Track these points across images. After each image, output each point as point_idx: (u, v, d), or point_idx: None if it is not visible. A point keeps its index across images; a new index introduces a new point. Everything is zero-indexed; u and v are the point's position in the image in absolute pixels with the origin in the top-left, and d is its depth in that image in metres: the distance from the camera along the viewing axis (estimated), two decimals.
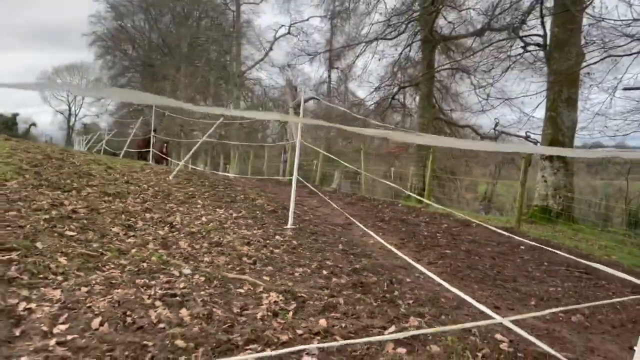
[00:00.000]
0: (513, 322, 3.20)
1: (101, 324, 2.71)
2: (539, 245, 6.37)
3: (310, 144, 24.43)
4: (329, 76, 42.62)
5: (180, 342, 2.66)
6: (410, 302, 4.21)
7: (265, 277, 4.09)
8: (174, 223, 5.49)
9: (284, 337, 2.96)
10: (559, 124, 13.58)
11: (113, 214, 5.30)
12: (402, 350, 3.05)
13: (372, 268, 5.06)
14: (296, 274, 4.38)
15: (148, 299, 3.21)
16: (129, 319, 2.85)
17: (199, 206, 6.81)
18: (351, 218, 7.02)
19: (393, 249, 5.03)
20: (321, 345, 2.90)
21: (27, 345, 2.40)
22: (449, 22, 20.23)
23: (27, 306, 2.76)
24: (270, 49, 44.08)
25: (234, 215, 6.63)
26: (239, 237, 5.33)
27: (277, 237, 5.72)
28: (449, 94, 21.71)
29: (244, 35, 45.47)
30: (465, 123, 21.58)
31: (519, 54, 17.04)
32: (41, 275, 3.24)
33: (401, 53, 20.22)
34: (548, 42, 14.40)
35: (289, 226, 6.13)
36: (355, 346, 2.97)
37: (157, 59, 50.27)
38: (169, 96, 50.71)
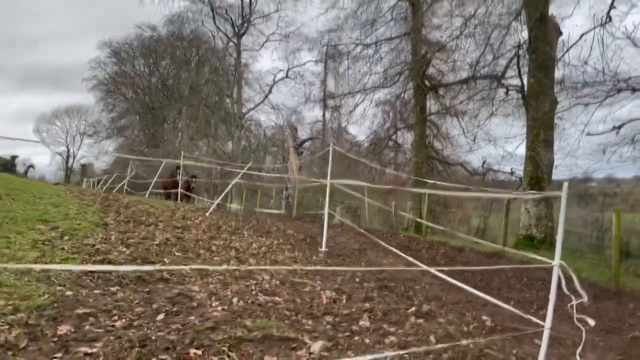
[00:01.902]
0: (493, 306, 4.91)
1: (237, 302, 4.39)
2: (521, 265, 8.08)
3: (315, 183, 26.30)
4: (324, 115, 45.07)
5: (285, 312, 4.35)
6: (422, 298, 5.91)
7: (318, 282, 5.78)
8: (236, 247, 7.19)
9: (345, 312, 4.65)
10: (538, 162, 15.49)
11: (192, 242, 7.00)
12: (421, 320, 4.75)
13: (390, 278, 6.77)
14: (338, 280, 6.08)
15: (252, 291, 4.89)
16: (248, 301, 4.53)
17: (246, 235, 8.51)
18: (393, 250, 8.76)
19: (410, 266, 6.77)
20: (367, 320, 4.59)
21: (202, 310, 4.08)
22: (439, 71, 22.47)
23: (191, 292, 4.45)
24: (270, 91, 46.55)
25: (275, 242, 8.33)
26: (288, 257, 7.03)
27: (314, 257, 7.43)
28: (440, 134, 23.77)
29: (244, 79, 47.90)
30: (456, 161, 23.55)
31: (502, 99, 19.17)
32: (181, 279, 4.93)
33: (396, 99, 22.40)
34: (526, 91, 16.48)
35: (322, 249, 7.84)
36: (391, 318, 4.67)
37: (157, 102, 52.13)
38: (169, 137, 52.63)
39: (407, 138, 25.94)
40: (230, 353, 3.31)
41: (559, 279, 3.76)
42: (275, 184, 28.77)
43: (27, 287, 3.83)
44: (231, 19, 46.05)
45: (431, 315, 5.04)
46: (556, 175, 16.59)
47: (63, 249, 5.08)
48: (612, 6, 12.42)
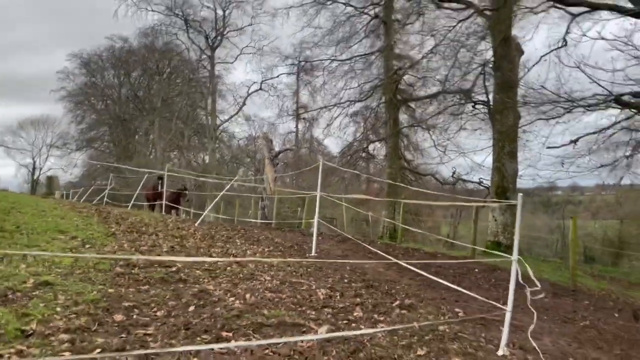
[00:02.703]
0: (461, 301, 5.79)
1: (250, 297, 5.14)
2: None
3: (291, 193, 27.10)
4: (297, 127, 46.08)
5: (291, 305, 5.12)
6: (403, 295, 6.76)
7: (313, 282, 6.56)
8: (234, 253, 7.91)
9: (341, 305, 5.45)
10: (504, 173, 16.68)
11: (194, 249, 7.69)
12: (404, 311, 5.59)
13: (374, 279, 7.60)
14: (329, 281, 6.87)
15: (259, 289, 5.65)
16: (258, 297, 5.28)
17: (239, 243, 9.23)
18: (378, 253, 9.58)
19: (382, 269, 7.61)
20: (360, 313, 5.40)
21: (223, 303, 4.81)
22: (410, 85, 23.63)
23: (208, 290, 5.18)
24: (244, 103, 47.24)
25: (266, 249, 9.07)
26: (279, 264, 7.78)
27: (304, 262, 8.19)
28: (412, 146, 24.92)
29: (218, 91, 48.40)
30: (427, 171, 24.71)
31: (470, 113, 20.42)
32: (196, 280, 5.65)
33: (370, 112, 23.46)
34: (491, 106, 17.70)
35: (313, 253, 8.63)
36: (379, 309, 5.49)
37: (128, 113, 51.82)
38: (142, 149, 52.48)
39: (379, 149, 27.12)
40: (254, 335, 4.07)
41: (517, 271, 4.64)
42: (254, 195, 29.38)
43: (76, 286, 4.51)
44: (205, 32, 46.59)
45: (413, 307, 5.89)
46: (522, 184, 17.84)
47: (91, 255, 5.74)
48: (567, 32, 13.69)
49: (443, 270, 10.39)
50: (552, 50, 14.18)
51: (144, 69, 50.26)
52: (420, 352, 4.35)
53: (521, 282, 4.66)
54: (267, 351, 3.75)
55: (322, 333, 4.31)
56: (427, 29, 19.87)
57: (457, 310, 6.28)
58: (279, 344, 3.91)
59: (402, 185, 17.10)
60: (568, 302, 9.16)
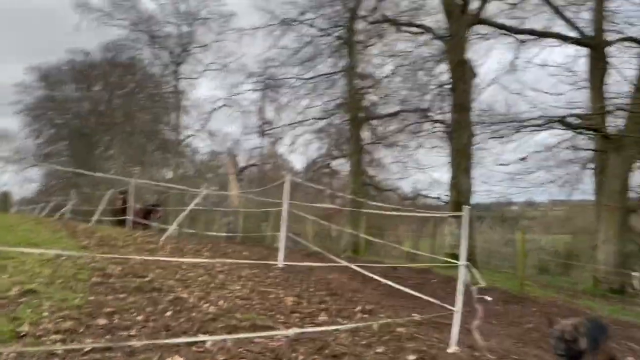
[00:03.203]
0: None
1: (222, 304, 5.51)
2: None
3: (257, 208, 27.41)
4: (261, 143, 46.35)
5: (261, 311, 5.52)
6: (364, 302, 7.23)
7: (281, 290, 6.97)
8: (204, 266, 8.22)
9: (307, 310, 5.89)
10: (459, 188, 17.51)
11: (165, 262, 7.98)
12: (366, 315, 6.06)
13: (338, 288, 8.07)
14: (296, 290, 7.29)
15: (230, 296, 6.01)
16: (230, 303, 5.65)
17: (207, 255, 9.53)
18: (341, 264, 10.03)
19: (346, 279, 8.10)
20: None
21: (198, 309, 5.16)
22: (373, 103, 24.49)
23: (183, 298, 5.52)
24: (209, 119, 47.28)
25: (235, 261, 9.40)
26: (251, 272, 8.16)
27: (271, 273, 8.59)
28: (374, 162, 25.72)
29: (182, 107, 48.30)
30: (388, 186, 25.52)
31: (429, 131, 21.38)
32: (171, 289, 5.98)
33: (334, 129, 24.16)
34: (448, 125, 18.61)
35: (280, 266, 9.03)
36: (343, 314, 5.95)
37: (89, 127, 50.85)
38: (103, 164, 51.50)
39: (342, 165, 27.86)
40: (229, 336, 4.45)
41: (465, 275, 5.20)
42: (219, 209, 29.48)
43: (59, 294, 4.80)
44: (169, 48, 46.59)
45: (373, 312, 6.39)
46: (478, 199, 18.74)
47: (67, 266, 5.99)
48: (515, 57, 14.72)
49: (402, 282, 10.90)
50: (502, 74, 15.21)
51: (106, 83, 49.49)
52: (379, 349, 4.82)
53: (473, 287, 5.23)
54: (241, 349, 4.14)
55: (291, 335, 4.73)
56: (387, 50, 20.77)
57: (413, 315, 6.80)
58: (252, 343, 4.31)
59: (363, 200, 17.72)
60: (516, 308, 9.85)
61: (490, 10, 16.26)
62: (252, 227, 31.57)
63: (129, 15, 43.56)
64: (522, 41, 14.48)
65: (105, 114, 50.27)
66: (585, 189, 18.69)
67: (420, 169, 22.39)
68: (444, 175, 22.70)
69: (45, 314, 4.18)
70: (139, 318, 4.56)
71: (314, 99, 24.44)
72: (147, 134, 48.40)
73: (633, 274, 12.04)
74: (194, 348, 4.01)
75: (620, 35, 14.90)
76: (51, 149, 52.70)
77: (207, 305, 5.38)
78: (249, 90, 41.85)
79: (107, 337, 3.92)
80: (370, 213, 17.42)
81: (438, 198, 22.66)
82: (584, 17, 15.41)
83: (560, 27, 14.76)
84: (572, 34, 14.20)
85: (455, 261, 5.74)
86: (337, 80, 24.34)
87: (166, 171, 50.86)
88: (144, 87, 49.96)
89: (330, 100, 23.83)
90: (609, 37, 14.69)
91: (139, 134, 48.11)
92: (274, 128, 28.02)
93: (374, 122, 24.76)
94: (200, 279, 6.93)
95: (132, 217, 15.72)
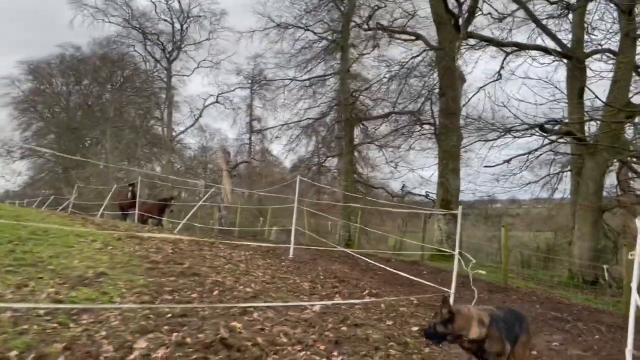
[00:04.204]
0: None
1: (254, 286, 6.53)
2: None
3: (247, 203, 28.38)
4: (250, 139, 47.39)
5: (287, 292, 6.55)
6: (369, 288, 8.31)
7: (296, 277, 8.01)
8: (224, 256, 9.22)
9: (324, 293, 6.94)
10: (447, 187, 18.69)
11: (189, 252, 8.96)
12: (373, 298, 7.14)
13: (343, 277, 9.14)
14: (309, 277, 8.34)
15: (258, 281, 7.03)
16: (260, 286, 6.66)
17: (222, 248, 10.52)
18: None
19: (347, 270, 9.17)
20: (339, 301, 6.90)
21: (238, 289, 6.17)
22: (365, 105, 25.58)
23: (219, 281, 6.53)
24: (200, 115, 48.01)
25: (247, 253, 10.41)
26: (265, 262, 9.19)
27: (283, 263, 9.62)
28: (365, 161, 26.86)
29: (173, 103, 48.93)
30: (379, 184, 26.68)
31: (418, 132, 22.53)
32: (206, 274, 6.98)
33: (327, 130, 25.23)
34: (437, 128, 19.76)
35: (290, 256, 10.06)
36: (354, 296, 7.01)
37: (77, 122, 50.95)
38: (92, 159, 51.67)
39: (330, 163, 29.06)
40: (268, 310, 5.48)
41: (460, 261, 6.29)
42: (213, 204, 30.38)
43: (124, 276, 5.78)
44: (162, 44, 47.19)
45: (379, 295, 7.47)
46: (463, 197, 19.94)
47: (118, 254, 6.97)
48: (501, 67, 15.90)
49: (397, 272, 12.05)
50: (488, 83, 16.41)
51: (96, 78, 49.52)
52: (389, 322, 5.91)
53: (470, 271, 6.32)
54: (281, 319, 5.18)
55: (317, 310, 5.78)
56: (380, 55, 21.88)
57: (411, 298, 7.89)
58: (288, 314, 5.36)
59: (362, 196, 18.76)
60: (500, 297, 11.00)
61: (478, 22, 17.46)
62: (245, 222, 32.55)
63: (122, 12, 43.99)
64: (507, 53, 15.64)
65: (95, 108, 50.44)
66: (565, 189, 20.01)
67: (410, 169, 23.59)
68: (429, 173, 23.89)
69: (124, 290, 5.17)
70: (194, 295, 5.57)
71: (308, 100, 25.50)
72: (137, 129, 48.81)
73: (604, 267, 13.26)
74: (245, 317, 5.04)
75: (598, 47, 16.15)
76: (40, 143, 52.75)
77: (242, 287, 6.40)
78: (240, 87, 42.86)
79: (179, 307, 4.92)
80: (364, 208, 18.48)
81: (426, 196, 23.88)
82: (565, 28, 16.68)
83: (543, 40, 16.00)
84: (554, 46, 15.39)
85: (451, 251, 6.83)
86: (330, 83, 25.45)
87: (156, 166, 51.42)
88: (134, 83, 50.27)
89: (324, 102, 24.92)
90: (587, 49, 15.93)
91: (129, 129, 48.53)
92: (269, 128, 28.91)
93: (366, 122, 25.86)
94: (226, 266, 7.94)
95: (140, 211, 16.51)
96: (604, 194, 16.14)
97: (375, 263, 9.21)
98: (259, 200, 37.36)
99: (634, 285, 4.14)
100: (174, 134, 49.55)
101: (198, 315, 4.67)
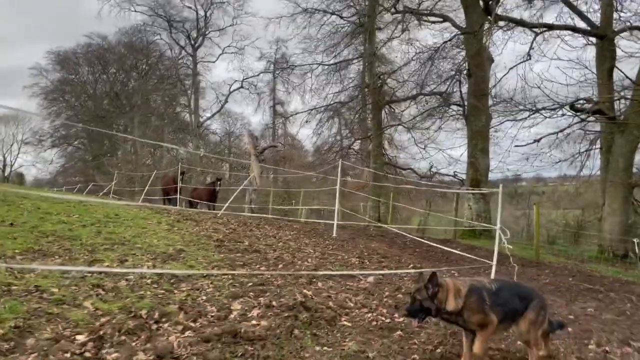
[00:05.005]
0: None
1: (311, 261, 7.20)
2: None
3: (281, 186, 29.12)
4: (274, 123, 48.18)
5: (339, 265, 7.21)
6: (411, 262, 8.92)
7: (344, 253, 8.67)
8: (274, 235, 9.93)
9: (373, 267, 7.58)
10: (477, 167, 19.09)
11: (242, 232, 9.69)
12: (416, 269, 7.75)
13: (384, 253, 9.77)
14: (355, 253, 8.99)
15: (312, 257, 7.70)
16: (316, 261, 7.33)
17: (269, 229, 11.24)
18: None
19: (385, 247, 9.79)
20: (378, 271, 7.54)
21: (297, 263, 6.85)
22: (391, 88, 25.95)
23: (279, 257, 7.22)
24: (226, 101, 48.89)
25: (291, 233, 11.11)
26: (312, 241, 9.87)
27: (327, 242, 10.30)
28: (393, 143, 27.35)
29: (200, 90, 49.84)
30: (407, 166, 27.16)
31: (447, 114, 22.88)
32: (269, 250, 7.68)
33: (356, 113, 25.72)
34: (466, 108, 20.08)
35: (334, 235, 10.73)
36: (402, 267, 7.63)
37: (105, 110, 52.06)
38: (121, 146, 52.90)
39: (356, 145, 29.64)
40: (329, 280, 6.15)
41: (500, 236, 6.85)
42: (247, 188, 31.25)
43: (198, 252, 6.50)
44: (187, 32, 47.96)
45: (422, 267, 8.07)
46: (491, 177, 20.31)
47: (186, 234, 7.72)
48: (531, 47, 16.12)
49: (432, 248, 12.65)
50: (518, 64, 16.66)
51: (120, 66, 50.29)
52: None
53: (503, 242, 6.88)
54: (342, 288, 5.84)
55: (371, 281, 6.43)
56: (408, 39, 22.18)
57: (452, 270, 8.49)
58: (347, 284, 6.01)
59: (399, 176, 19.24)
60: (533, 270, 11.51)
61: (507, 3, 17.65)
62: (274, 204, 33.43)
63: (147, 1, 44.73)
64: (537, 33, 15.82)
65: (121, 96, 51.43)
66: (594, 166, 20.19)
67: (439, 149, 23.98)
68: (458, 153, 24.20)
69: (205, 263, 5.89)
70: (262, 268, 6.27)
71: (335, 85, 25.98)
72: (164, 116, 49.85)
73: (635, 241, 13.60)
74: (312, 287, 5.71)
75: (627, 25, 16.20)
76: (70, 131, 54.11)
77: (300, 262, 7.09)
78: (264, 72, 43.55)
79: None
80: (395, 189, 19.04)
81: (454, 176, 24.26)
82: (594, 9, 16.75)
83: (572, 19, 16.09)
84: (583, 25, 15.51)
85: (490, 226, 7.38)
86: (357, 66, 25.83)
87: (181, 152, 52.42)
88: (160, 70, 51.11)
89: (352, 85, 25.36)
90: (617, 27, 16.00)
91: (156, 116, 49.61)
92: (297, 113, 29.44)
93: (393, 105, 26.24)
94: (279, 244, 8.65)
95: (191, 197, 17.29)
96: (634, 170, 16.37)
97: (415, 238, 9.78)
98: (287, 184, 38.30)
99: None
100: (201, 119, 50.59)
101: (274, 284, 5.36)
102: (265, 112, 47.38)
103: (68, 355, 3.05)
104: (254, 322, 4.10)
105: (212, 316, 4.16)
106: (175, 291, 4.68)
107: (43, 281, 4.23)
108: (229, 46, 47.42)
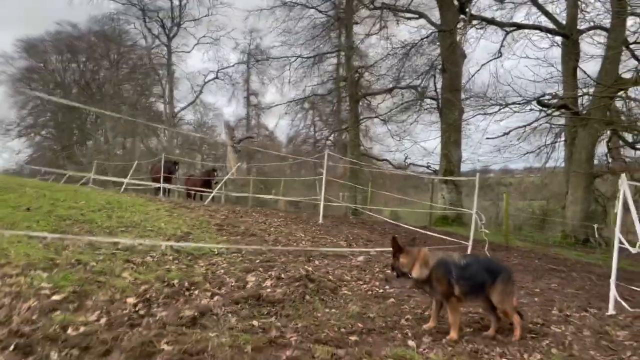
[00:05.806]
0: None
1: (304, 243, 7.85)
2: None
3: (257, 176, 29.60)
4: (248, 113, 48.46)
5: (331, 245, 7.88)
6: (386, 242, 9.64)
7: (331, 237, 9.34)
8: (263, 221, 10.53)
9: (361, 248, 8.28)
10: (450, 158, 20.02)
11: (234, 218, 10.26)
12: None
13: (367, 237, 10.50)
14: (341, 237, 9.68)
15: (304, 239, 8.35)
16: (309, 242, 7.98)
17: (257, 215, 11.83)
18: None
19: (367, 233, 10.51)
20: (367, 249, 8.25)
21: (294, 244, 7.48)
22: (368, 81, 26.70)
23: (275, 239, 7.85)
24: (201, 92, 48.86)
25: (279, 220, 11.71)
26: (300, 226, 10.51)
27: (314, 228, 10.95)
28: (369, 135, 28.19)
29: (173, 80, 49.56)
30: (382, 157, 28.06)
31: (421, 107, 23.76)
32: (262, 234, 8.29)
33: (333, 106, 26.41)
34: (440, 102, 20.97)
35: (320, 221, 11.39)
36: (370, 246, 8.36)
37: (75, 99, 51.03)
38: (92, 136, 52.15)
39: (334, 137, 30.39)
40: (324, 259, 6.82)
41: (477, 220, 7.63)
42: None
43: (202, 235, 7.07)
44: (161, 21, 47.55)
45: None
46: (463, 167, 21.30)
47: (186, 219, 8.26)
48: (501, 45, 17.05)
49: (411, 233, 13.44)
50: (489, 61, 17.60)
51: (90, 54, 49.32)
52: None
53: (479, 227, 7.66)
54: (338, 265, 6.51)
55: (361, 260, 7.12)
56: (384, 33, 22.90)
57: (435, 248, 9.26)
58: (341, 262, 6.69)
59: (378, 167, 20.01)
60: (503, 253, 12.43)
61: (480, 3, 18.53)
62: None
63: None
64: (507, 32, 16.73)
65: (92, 85, 50.58)
66: (558, 158, 21.36)
67: (413, 141, 24.92)
68: (432, 145, 25.16)
69: (214, 244, 6.47)
70: (264, 248, 6.88)
71: (315, 77, 26.58)
72: (136, 106, 49.32)
73: (595, 226, 14.70)
74: (311, 264, 6.36)
75: (591, 24, 17.28)
76: (38, 121, 52.89)
77: (296, 243, 7.74)
78: (239, 62, 43.80)
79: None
80: (370, 181, 19.76)
81: (427, 167, 25.22)
82: (561, 8, 17.77)
83: (539, 21, 17.09)
84: (550, 25, 16.49)
85: (468, 210, 8.16)
86: (334, 60, 26.46)
87: (154, 142, 52.11)
88: (131, 59, 50.41)
89: (329, 79, 25.98)
90: (581, 26, 17.08)
91: (128, 105, 49.05)
92: (277, 105, 29.92)
93: (369, 98, 27.00)
94: (271, 229, 9.27)
95: (187, 186, 17.61)
96: (595, 161, 17.56)
97: (394, 223, 10.52)
98: (264, 174, 38.79)
99: (617, 227, 5.48)
100: (174, 110, 50.34)
101: (278, 261, 6.00)
102: (239, 103, 47.61)
103: (126, 311, 3.64)
104: (269, 290, 4.73)
105: (232, 286, 4.78)
106: (195, 266, 5.27)
107: (81, 256, 4.77)
108: (204, 36, 47.29)
